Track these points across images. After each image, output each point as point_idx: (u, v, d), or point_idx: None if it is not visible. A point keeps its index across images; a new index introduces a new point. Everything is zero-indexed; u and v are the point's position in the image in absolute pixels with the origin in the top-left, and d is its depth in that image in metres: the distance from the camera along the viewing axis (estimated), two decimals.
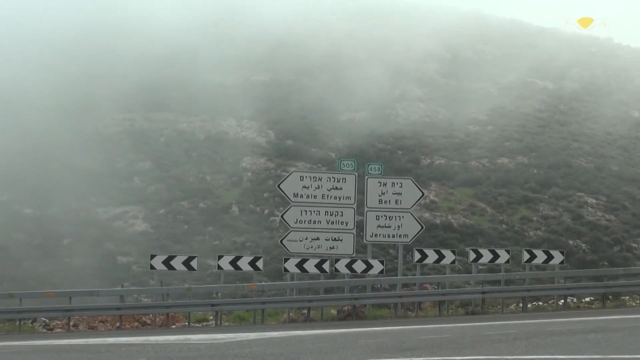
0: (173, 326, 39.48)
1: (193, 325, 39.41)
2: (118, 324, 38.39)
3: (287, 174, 43.54)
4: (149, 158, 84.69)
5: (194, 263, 39.05)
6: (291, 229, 41.47)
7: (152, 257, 39.46)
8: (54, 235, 73.45)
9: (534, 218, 78.46)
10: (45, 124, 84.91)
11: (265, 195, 79.33)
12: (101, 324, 40.02)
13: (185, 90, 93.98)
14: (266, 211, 77.02)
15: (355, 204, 41.79)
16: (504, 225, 77.07)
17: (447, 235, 73.83)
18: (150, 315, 39.24)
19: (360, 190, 42.45)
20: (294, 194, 41.40)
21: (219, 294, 40.01)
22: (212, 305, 39.05)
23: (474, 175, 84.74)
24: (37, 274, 64.96)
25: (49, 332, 38.41)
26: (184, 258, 39.30)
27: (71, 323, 38.91)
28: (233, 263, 40.13)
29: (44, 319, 39.54)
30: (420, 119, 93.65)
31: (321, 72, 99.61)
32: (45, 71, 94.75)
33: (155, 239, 74.19)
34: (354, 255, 41.33)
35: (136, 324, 40.19)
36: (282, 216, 42.40)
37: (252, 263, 40.14)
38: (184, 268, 38.87)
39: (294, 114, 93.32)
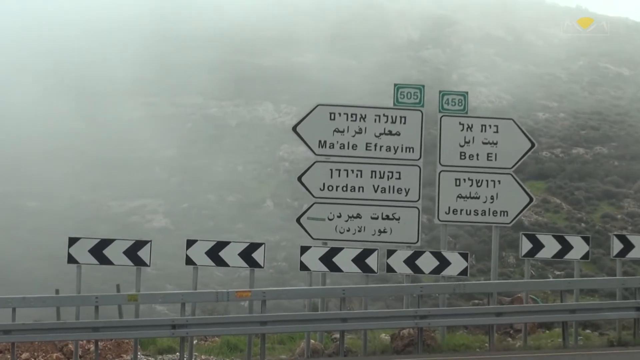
0: None
1: (146, 357, 21.88)
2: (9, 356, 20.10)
3: (309, 110, 23.76)
4: (172, 146, 69.04)
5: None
6: (315, 200, 22.52)
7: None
8: (57, 231, 56.62)
9: (619, 216, 61.88)
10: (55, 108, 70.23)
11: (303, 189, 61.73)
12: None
13: (217, 71, 78.06)
14: (305, 206, 59.19)
15: (422, 159, 22.84)
16: (582, 224, 60.13)
17: (517, 235, 54.79)
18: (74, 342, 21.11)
19: (431, 140, 23.63)
20: (320, 142, 22.27)
21: (189, 308, 20.58)
22: (173, 327, 19.75)
23: (545, 167, 68.39)
24: (35, 276, 48.75)
25: None
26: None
27: None
28: (213, 254, 20.70)
29: None
30: (482, 105, 74.70)
31: (370, 54, 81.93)
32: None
33: (176, 236, 57.28)
34: (418, 243, 22.71)
35: (55, 354, 21.16)
36: (300, 178, 22.88)
37: (247, 254, 20.75)
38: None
39: (338, 97, 75.55)
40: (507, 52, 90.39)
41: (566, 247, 21.88)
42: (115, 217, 61.59)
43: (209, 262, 21.17)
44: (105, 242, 20.73)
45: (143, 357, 21.45)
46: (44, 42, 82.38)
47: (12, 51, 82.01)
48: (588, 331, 23.99)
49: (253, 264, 21.12)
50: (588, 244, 22.18)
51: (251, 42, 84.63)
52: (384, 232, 22.43)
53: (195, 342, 21.74)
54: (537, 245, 21.90)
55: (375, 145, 22.63)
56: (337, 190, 22.45)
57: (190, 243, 21.27)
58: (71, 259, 20.54)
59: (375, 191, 22.52)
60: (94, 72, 79.15)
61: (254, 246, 21.24)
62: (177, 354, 21.13)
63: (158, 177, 66.47)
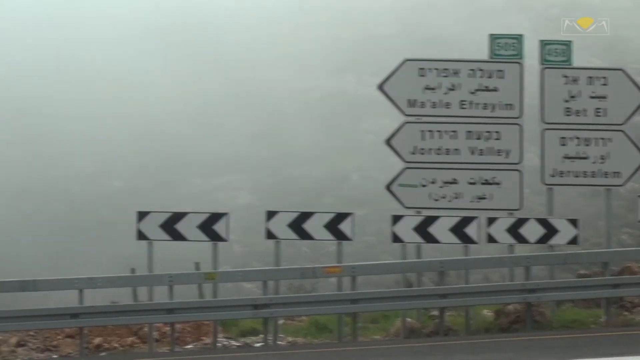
0: (191, 345, 19.23)
1: (227, 340, 19.53)
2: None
3: (396, 66, 21.46)
4: (255, 121, 67.22)
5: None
6: (406, 165, 19.84)
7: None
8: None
9: None
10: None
11: (390, 160, 59.47)
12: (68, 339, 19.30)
13: (297, 44, 75.88)
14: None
15: (522, 117, 20.04)
16: None
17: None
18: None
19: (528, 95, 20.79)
20: (409, 101, 19.91)
21: (273, 286, 18.65)
22: (255, 307, 17.87)
23: None
24: (110, 256, 47.14)
25: None
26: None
27: (12, 340, 19.20)
28: (296, 226, 18.82)
29: None
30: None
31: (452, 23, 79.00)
32: None
33: (261, 213, 55.44)
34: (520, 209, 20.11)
35: (130, 338, 19.31)
36: (388, 141, 20.61)
37: (333, 225, 18.85)
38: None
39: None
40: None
41: None
42: (199, 194, 60.13)
43: (292, 235, 19.13)
44: (177, 216, 18.84)
45: (224, 339, 19.55)
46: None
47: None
48: None
49: (341, 236, 19.07)
50: None
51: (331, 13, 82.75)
52: (483, 198, 20.05)
53: (280, 322, 19.75)
54: None
55: (471, 103, 20.21)
56: (429, 153, 20.15)
57: (270, 214, 19.30)
58: (141, 235, 18.67)
59: (472, 153, 20.16)
60: None
61: (341, 216, 19.23)
62: (261, 336, 19.19)
63: (242, 153, 64.67)
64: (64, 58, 73.54)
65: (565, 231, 19.29)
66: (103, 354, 18.75)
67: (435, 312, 19.25)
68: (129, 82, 71.89)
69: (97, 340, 19.20)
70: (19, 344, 19.14)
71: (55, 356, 18.69)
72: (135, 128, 67.02)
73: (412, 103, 20.18)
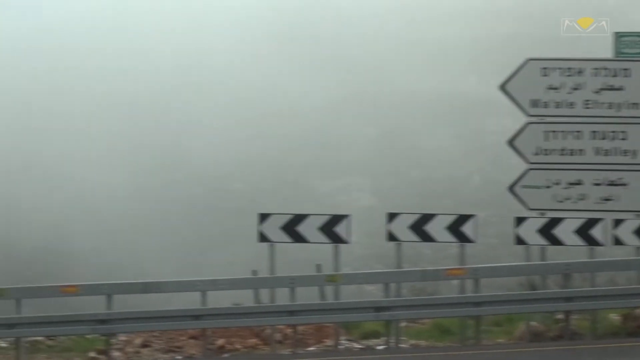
0: (313, 347, 19.18)
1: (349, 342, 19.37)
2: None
3: (519, 66, 21.01)
4: (375, 122, 66.87)
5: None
6: (529, 166, 19.43)
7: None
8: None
9: None
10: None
11: (512, 162, 58.55)
12: (192, 340, 19.32)
13: (418, 45, 75.22)
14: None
15: None
16: None
17: None
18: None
19: None
20: (532, 101, 19.41)
21: (395, 288, 18.42)
22: (377, 309, 17.67)
23: None
24: (232, 258, 47.40)
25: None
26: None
27: (137, 340, 18.69)
28: (418, 228, 18.49)
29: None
30: None
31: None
32: None
33: (383, 214, 55.21)
34: None
35: (252, 340, 19.31)
36: (511, 141, 20.20)
37: (455, 227, 18.49)
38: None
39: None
40: None
41: None
42: (320, 196, 60.08)
43: (414, 237, 18.89)
44: (298, 218, 18.76)
45: (346, 342, 19.42)
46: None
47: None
48: None
49: (463, 238, 18.76)
50: None
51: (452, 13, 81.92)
52: (609, 199, 19.49)
53: (402, 325, 19.53)
54: None
55: (595, 102, 19.68)
56: (553, 154, 19.67)
57: (392, 216, 19.11)
58: (262, 237, 18.67)
59: (597, 154, 19.60)
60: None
61: (463, 218, 18.93)
62: (384, 338, 19.01)
63: (364, 155, 64.42)
64: (186, 62, 74.17)
65: None
66: (226, 355, 18.81)
67: (560, 316, 18.79)
68: (251, 82, 72.38)
69: (220, 342, 19.27)
70: (144, 345, 19.35)
71: (179, 357, 18.83)
72: (256, 129, 67.45)
73: (535, 103, 19.74)
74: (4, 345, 19.54)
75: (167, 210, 55.90)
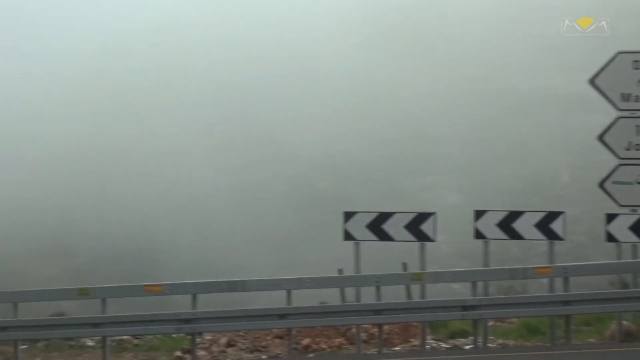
0: (398, 347, 19.01)
1: (436, 342, 19.19)
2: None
3: (608, 59, 20.39)
4: (461, 120, 66.27)
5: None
6: (620, 162, 19.02)
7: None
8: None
9: None
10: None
11: (601, 157, 57.54)
12: (277, 340, 19.18)
13: (501, 42, 74.31)
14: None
15: None
16: None
17: None
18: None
19: None
20: (623, 95, 18.93)
21: (482, 287, 18.10)
22: (464, 308, 17.34)
23: None
24: (318, 257, 47.14)
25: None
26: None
27: (222, 340, 18.59)
28: (506, 226, 18.01)
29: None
30: None
31: None
32: None
33: (470, 213, 54.53)
34: None
35: (338, 340, 19.12)
36: (601, 137, 19.60)
37: (544, 224, 17.97)
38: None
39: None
40: None
41: None
42: (406, 195, 59.54)
43: (502, 234, 18.46)
44: (384, 216, 18.45)
45: (433, 341, 19.06)
46: None
47: None
48: None
49: (552, 235, 18.24)
50: None
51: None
52: None
53: (490, 324, 19.10)
54: None
55: None
56: None
57: (479, 214, 18.71)
58: (348, 236, 18.41)
59: None
60: None
61: (552, 215, 18.39)
62: (471, 337, 18.59)
63: (449, 153, 63.78)
64: (296, 67, 73.95)
65: None
66: (311, 355, 18.59)
67: None
68: (350, 76, 72.22)
69: (306, 341, 19.08)
70: (229, 344, 19.24)
71: (264, 357, 18.68)
72: (344, 128, 67.32)
73: (626, 97, 19.13)
74: (91, 344, 19.63)
75: (255, 208, 56.10)
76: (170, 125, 66.39)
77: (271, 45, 75.33)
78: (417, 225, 18.35)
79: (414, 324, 19.06)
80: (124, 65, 73.52)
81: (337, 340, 19.29)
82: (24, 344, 19.52)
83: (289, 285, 17.75)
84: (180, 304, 18.18)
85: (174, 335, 19.51)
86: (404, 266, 19.39)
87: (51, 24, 75.28)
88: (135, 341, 20.37)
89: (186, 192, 58.30)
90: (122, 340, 20.11)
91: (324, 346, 18.99)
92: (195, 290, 17.60)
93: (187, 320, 17.55)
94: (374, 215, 18.52)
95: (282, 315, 17.67)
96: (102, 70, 72.29)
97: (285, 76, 71.92)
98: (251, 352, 19.05)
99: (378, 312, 17.76)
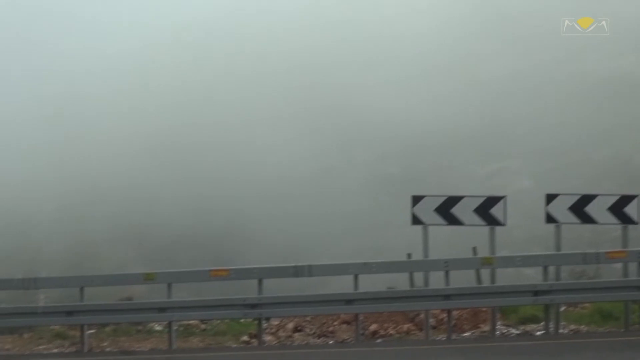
0: (468, 333, 18.56)
1: (506, 327, 18.58)
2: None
3: None
4: (533, 103, 65.31)
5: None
6: None
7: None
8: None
9: None
10: None
11: None
12: (344, 325, 18.91)
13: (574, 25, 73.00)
14: None
15: None
16: None
17: None
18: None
19: None
20: None
21: (554, 271, 17.65)
22: (535, 293, 17.02)
23: None
24: (386, 241, 46.71)
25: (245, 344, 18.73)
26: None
27: (289, 325, 18.68)
28: (578, 210, 17.48)
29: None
30: None
31: None
32: None
33: (541, 197, 53.84)
34: None
35: (406, 325, 18.72)
36: None
37: (618, 208, 17.60)
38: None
39: None
40: None
41: None
42: (476, 180, 58.90)
43: (574, 218, 17.91)
44: (453, 200, 18.01)
45: (503, 327, 18.59)
46: None
47: None
48: None
49: (625, 219, 17.66)
50: None
51: None
52: None
53: (562, 309, 18.59)
54: None
55: None
56: None
57: (550, 198, 18.18)
58: (416, 220, 17.99)
59: None
60: None
61: (626, 199, 17.82)
62: (542, 323, 18.10)
63: (520, 137, 62.94)
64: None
65: None
66: (379, 340, 18.25)
67: None
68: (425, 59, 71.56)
69: (373, 327, 18.74)
70: (296, 329, 18.98)
71: (331, 342, 18.39)
72: (417, 112, 66.80)
73: None
74: (159, 328, 19.51)
75: (319, 192, 55.92)
76: (250, 112, 66.50)
77: (355, 26, 74.91)
78: (486, 209, 17.88)
79: (484, 309, 18.61)
80: (201, 55, 73.76)
81: (406, 326, 18.91)
82: (92, 329, 19.53)
83: (356, 270, 17.43)
84: (248, 290, 17.97)
85: (242, 320, 19.32)
86: (474, 250, 18.95)
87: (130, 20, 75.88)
88: (203, 326, 20.21)
89: (264, 177, 58.26)
90: (189, 324, 19.97)
91: (392, 332, 18.64)
92: (261, 275, 17.37)
93: (253, 306, 17.35)
94: (442, 199, 18.10)
95: (349, 301, 17.38)
96: (179, 63, 72.59)
97: (366, 61, 71.67)
98: (318, 337, 18.78)
99: (447, 297, 17.39)
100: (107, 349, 18.32)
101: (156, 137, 63.08)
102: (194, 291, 21.09)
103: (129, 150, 59.84)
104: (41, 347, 18.97)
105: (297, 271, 17.47)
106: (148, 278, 17.68)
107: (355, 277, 17.38)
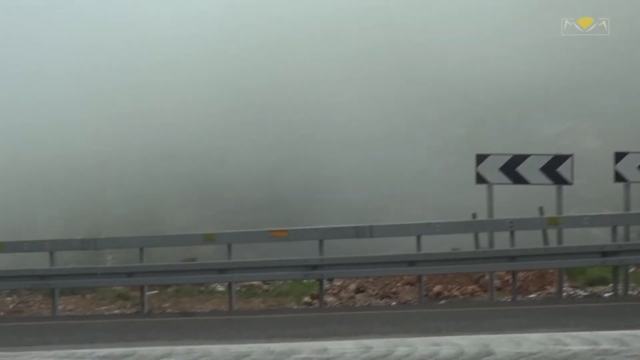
0: (533, 294, 18.15)
1: (573, 289, 18.10)
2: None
3: None
4: (601, 65, 63.61)
5: None
6: None
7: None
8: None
9: None
10: None
11: None
12: (407, 286, 18.55)
13: None
14: None
15: None
16: None
17: None
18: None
19: None
20: None
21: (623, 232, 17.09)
22: (603, 254, 16.43)
23: None
24: (451, 201, 46.15)
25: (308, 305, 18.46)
26: None
27: (351, 286, 18.40)
28: None
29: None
30: None
31: None
32: None
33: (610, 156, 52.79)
34: None
35: (471, 287, 18.26)
36: None
37: None
38: None
39: None
40: None
41: None
42: (542, 139, 57.90)
43: None
44: (518, 159, 17.43)
45: (570, 289, 18.04)
46: None
47: None
48: None
49: None
50: None
51: None
52: None
53: (631, 270, 18.02)
54: None
55: None
56: None
57: (619, 156, 17.54)
58: (480, 179, 17.46)
59: None
60: None
61: None
62: (611, 285, 17.54)
63: (588, 97, 61.69)
64: None
65: None
66: (442, 302, 17.87)
67: None
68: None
69: (437, 288, 18.36)
70: (358, 290, 18.66)
71: (394, 303, 18.04)
72: (484, 71, 65.59)
73: None
74: (221, 289, 19.26)
75: (384, 155, 55.34)
76: (323, 72, 65.93)
77: None
78: (553, 168, 17.28)
79: (550, 270, 18.11)
80: (275, 16, 73.18)
81: (470, 287, 18.50)
82: (154, 289, 19.41)
83: (419, 231, 16.97)
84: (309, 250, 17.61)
85: (304, 281, 19.03)
86: (540, 210, 18.34)
87: None
88: (265, 286, 19.97)
89: (335, 137, 57.74)
90: (252, 285, 19.75)
91: (456, 293, 18.24)
92: (321, 235, 17.03)
93: (314, 267, 17.02)
94: (507, 158, 17.53)
95: (411, 262, 16.95)
96: (253, 24, 72.09)
97: (440, 16, 70.49)
98: (381, 298, 18.45)
99: (512, 258, 16.89)
100: (168, 310, 18.18)
101: (230, 99, 62.80)
102: (260, 252, 20.81)
103: (203, 114, 59.60)
104: (103, 307, 18.91)
105: (358, 232, 17.08)
106: (207, 238, 17.44)
107: (418, 237, 16.96)
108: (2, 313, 18.95)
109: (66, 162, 48.75)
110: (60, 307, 18.56)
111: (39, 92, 52.44)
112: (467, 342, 9.99)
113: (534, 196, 19.00)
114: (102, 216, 44.04)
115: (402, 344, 10.04)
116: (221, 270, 17.27)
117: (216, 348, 10.56)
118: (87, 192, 48.27)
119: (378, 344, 10.10)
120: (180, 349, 10.54)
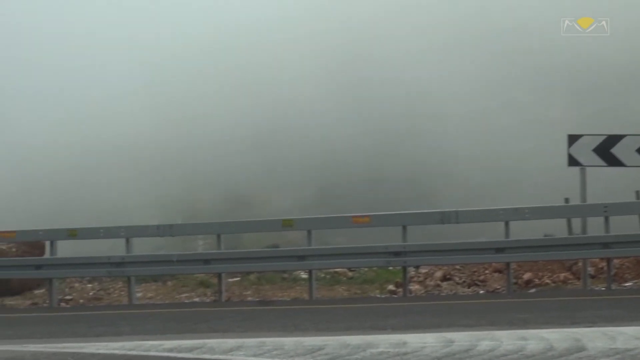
0: (630, 283, 17.30)
1: None
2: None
3: None
4: None
5: None
6: None
7: None
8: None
9: None
10: None
11: None
12: (496, 274, 17.85)
13: None
14: None
15: None
16: None
17: None
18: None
19: None
20: None
21: None
22: None
23: None
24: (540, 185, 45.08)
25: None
26: None
27: (437, 274, 17.95)
28: None
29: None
30: None
31: None
32: None
33: None
34: None
35: (563, 274, 17.35)
36: None
37: None
38: None
39: None
40: None
41: None
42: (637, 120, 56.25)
43: None
44: (613, 139, 16.37)
45: None
46: None
47: None
48: None
49: None
50: None
51: None
52: None
53: None
54: None
55: None
56: None
57: None
58: (572, 161, 16.45)
59: None
60: None
61: None
62: None
63: None
64: None
65: None
66: (532, 290, 16.94)
67: None
68: None
69: (527, 276, 17.44)
70: (445, 278, 17.86)
71: (481, 291, 17.19)
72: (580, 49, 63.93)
73: None
74: (305, 276, 18.64)
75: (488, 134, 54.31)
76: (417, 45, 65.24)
77: None
78: None
79: None
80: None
81: (562, 275, 17.55)
82: (235, 277, 18.91)
83: (507, 216, 16.06)
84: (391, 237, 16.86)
85: (390, 268, 18.28)
86: (637, 194, 17.23)
87: None
88: (350, 274, 19.31)
89: (423, 112, 57.00)
90: (336, 272, 19.13)
91: (548, 281, 17.30)
92: (402, 221, 16.24)
93: (397, 254, 16.24)
94: (601, 139, 16.46)
95: (499, 249, 16.06)
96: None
97: None
98: (468, 286, 17.62)
99: (606, 245, 15.85)
100: (249, 298, 17.62)
101: (331, 75, 62.19)
102: (347, 239, 20.14)
103: (302, 93, 59.04)
104: (183, 295, 18.46)
105: (443, 217, 16.25)
106: (286, 224, 16.81)
107: (506, 223, 16.07)
108: (82, 300, 18.66)
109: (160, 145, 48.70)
110: (139, 294, 18.19)
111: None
112: (557, 336, 9.20)
113: (630, 179, 17.89)
114: (195, 202, 43.84)
115: (486, 338, 9.31)
116: (301, 257, 16.63)
117: (289, 341, 9.97)
118: (180, 177, 48.19)
119: (460, 338, 9.38)
120: (250, 341, 9.96)
